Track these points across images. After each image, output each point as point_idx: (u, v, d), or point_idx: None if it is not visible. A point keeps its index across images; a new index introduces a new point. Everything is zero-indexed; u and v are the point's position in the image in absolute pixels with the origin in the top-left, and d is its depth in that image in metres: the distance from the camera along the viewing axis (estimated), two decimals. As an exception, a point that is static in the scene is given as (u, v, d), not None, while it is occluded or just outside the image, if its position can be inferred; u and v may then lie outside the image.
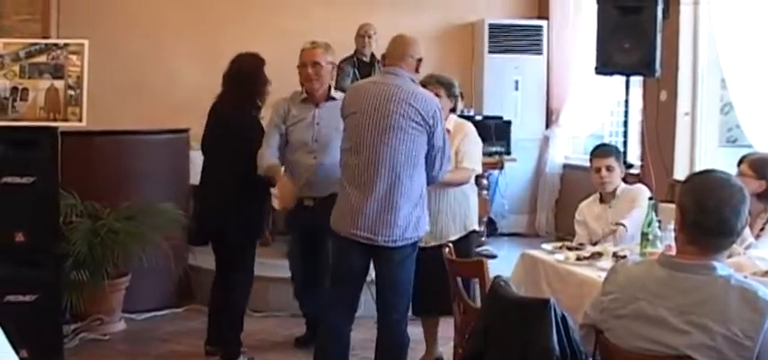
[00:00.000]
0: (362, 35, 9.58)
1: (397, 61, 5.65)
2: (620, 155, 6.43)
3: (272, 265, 7.84)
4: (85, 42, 6.80)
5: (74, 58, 6.75)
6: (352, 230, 5.50)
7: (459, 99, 9.71)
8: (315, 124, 6.46)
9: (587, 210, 6.40)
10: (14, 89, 6.65)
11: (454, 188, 6.27)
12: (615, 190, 6.27)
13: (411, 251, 5.63)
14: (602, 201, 6.32)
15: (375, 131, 5.43)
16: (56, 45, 6.87)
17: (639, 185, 6.44)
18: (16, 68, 6.69)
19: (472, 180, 6.51)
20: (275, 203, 6.66)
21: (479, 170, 6.60)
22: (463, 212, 6.36)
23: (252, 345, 7.09)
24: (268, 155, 6.39)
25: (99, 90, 7.07)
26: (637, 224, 5.70)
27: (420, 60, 5.73)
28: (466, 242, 6.29)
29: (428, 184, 5.69)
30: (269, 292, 7.90)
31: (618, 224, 6.00)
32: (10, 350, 3.80)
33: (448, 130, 6.08)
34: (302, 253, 6.86)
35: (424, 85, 5.98)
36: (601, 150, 6.48)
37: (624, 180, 6.38)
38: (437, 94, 6.04)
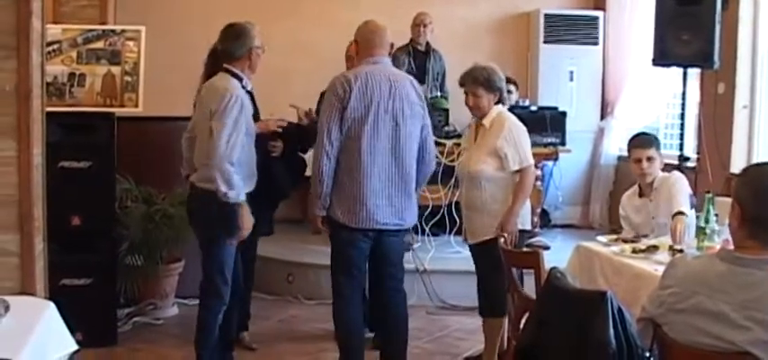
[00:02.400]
0: (418, 24, 9.55)
1: (382, 49, 5.72)
2: (659, 143, 6.27)
3: (325, 253, 7.83)
4: (142, 29, 6.86)
5: (131, 44, 6.82)
6: (384, 220, 5.60)
7: (513, 89, 9.74)
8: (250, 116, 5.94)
9: (628, 203, 6.29)
10: (72, 75, 6.73)
11: (491, 183, 6.04)
12: (653, 181, 6.12)
13: None
14: (641, 194, 6.20)
15: (392, 123, 5.55)
16: (113, 31, 6.94)
17: (675, 172, 6.27)
18: (74, 54, 6.77)
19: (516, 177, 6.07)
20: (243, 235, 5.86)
21: (531, 162, 6.13)
22: (500, 209, 6.03)
23: (305, 332, 7.12)
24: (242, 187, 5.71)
25: (155, 76, 7.11)
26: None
27: (392, 45, 5.92)
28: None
29: (422, 177, 5.87)
30: (322, 280, 7.90)
31: (677, 214, 5.74)
32: (67, 333, 3.85)
33: (481, 126, 6.10)
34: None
35: (461, 84, 6.18)
36: (640, 140, 6.27)
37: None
38: (475, 95, 6.06)
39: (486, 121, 6.07)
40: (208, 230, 5.85)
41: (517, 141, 6.02)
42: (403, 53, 9.28)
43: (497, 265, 5.52)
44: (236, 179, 5.59)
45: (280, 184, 6.57)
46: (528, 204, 6.29)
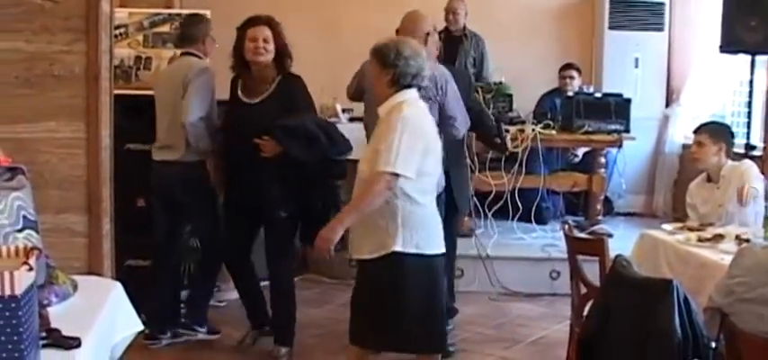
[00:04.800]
0: (446, 11, 9.40)
1: (419, 39, 5.77)
2: (720, 133, 6.18)
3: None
4: (208, 13, 6.89)
5: (196, 28, 6.85)
6: None
7: (575, 75, 9.69)
8: None
9: (696, 192, 6.25)
10: (138, 58, 6.80)
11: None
12: (720, 168, 6.04)
13: None
14: (709, 180, 6.16)
15: (434, 108, 5.76)
16: (179, 15, 7.00)
17: (746, 161, 6.25)
18: (140, 38, 6.85)
19: (403, 186, 4.68)
20: None
21: (399, 171, 4.61)
22: (383, 225, 4.74)
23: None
24: None
25: (220, 60, 7.14)
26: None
27: (427, 34, 6.11)
28: (382, 266, 4.79)
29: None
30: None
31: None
32: (133, 313, 3.90)
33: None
34: None
35: None
36: (699, 126, 6.36)
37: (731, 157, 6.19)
38: (371, 64, 4.97)
39: (381, 110, 4.86)
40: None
41: (396, 140, 4.60)
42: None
43: (373, 289, 4.89)
44: None
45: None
46: (439, 225, 4.95)
